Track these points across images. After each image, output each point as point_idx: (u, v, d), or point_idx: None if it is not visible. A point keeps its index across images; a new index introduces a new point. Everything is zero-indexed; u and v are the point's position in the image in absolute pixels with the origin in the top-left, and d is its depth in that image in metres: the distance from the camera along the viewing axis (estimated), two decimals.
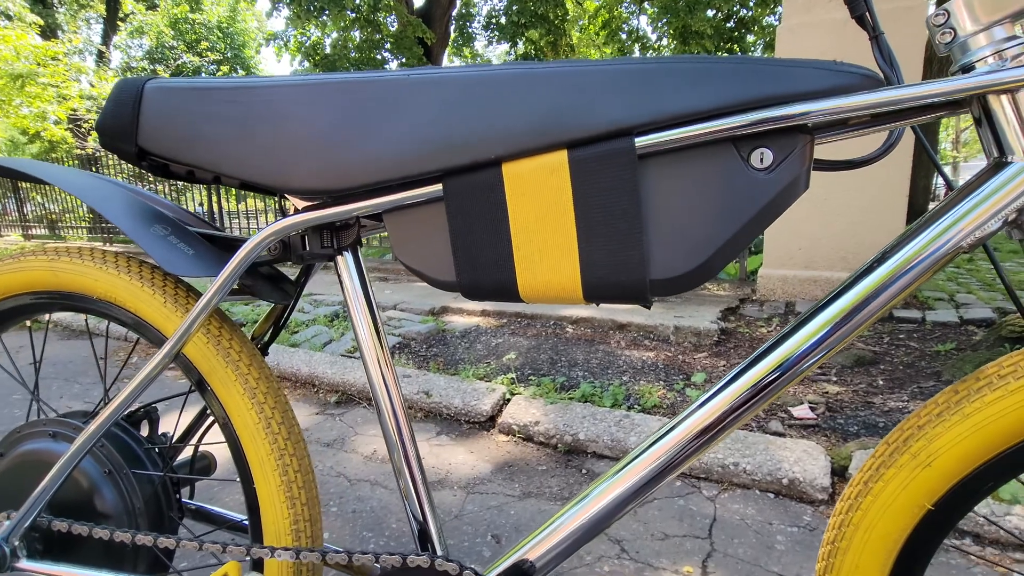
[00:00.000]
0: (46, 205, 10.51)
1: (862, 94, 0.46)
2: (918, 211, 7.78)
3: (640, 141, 0.49)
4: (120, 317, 0.72)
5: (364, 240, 0.64)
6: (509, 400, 2.07)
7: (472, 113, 0.52)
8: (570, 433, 1.80)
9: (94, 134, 10.46)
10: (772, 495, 1.51)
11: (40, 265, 0.72)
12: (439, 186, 0.54)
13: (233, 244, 0.70)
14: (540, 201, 0.51)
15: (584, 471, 1.69)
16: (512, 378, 2.29)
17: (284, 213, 0.61)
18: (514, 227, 0.52)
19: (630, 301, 0.53)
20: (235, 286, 0.63)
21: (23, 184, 10.36)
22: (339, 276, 0.63)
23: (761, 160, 0.48)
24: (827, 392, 2.07)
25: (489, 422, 2.00)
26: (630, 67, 0.50)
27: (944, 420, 0.51)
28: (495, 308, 3.38)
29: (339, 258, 0.63)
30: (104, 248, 0.73)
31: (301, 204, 0.60)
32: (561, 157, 0.50)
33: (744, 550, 1.30)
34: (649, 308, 0.58)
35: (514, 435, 1.91)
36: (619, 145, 0.49)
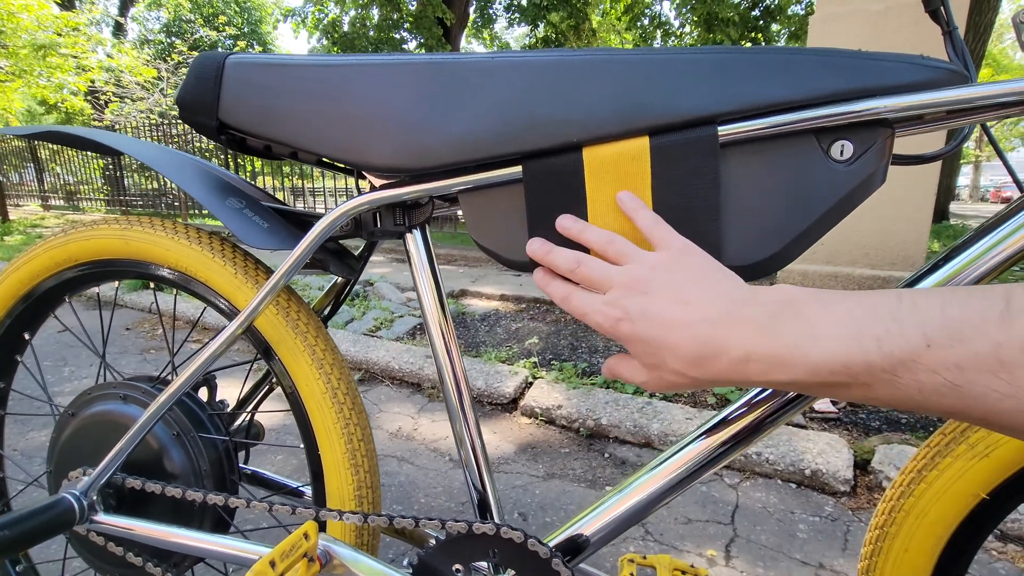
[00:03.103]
0: (63, 176, 10.61)
1: (948, 89, 0.46)
2: (940, 211, 7.71)
3: (723, 130, 0.50)
4: (190, 287, 0.74)
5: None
6: (531, 384, 2.10)
7: (555, 97, 0.53)
8: (592, 418, 1.82)
9: (112, 106, 10.50)
10: (794, 485, 1.53)
11: (113, 233, 0.74)
12: (518, 168, 0.55)
13: (303, 220, 0.72)
14: (619, 186, 0.53)
15: (607, 455, 1.71)
16: (534, 362, 2.31)
17: (359, 191, 0.63)
18: (591, 211, 0.54)
19: None
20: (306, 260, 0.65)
21: (42, 154, 10.46)
22: (407, 252, 0.65)
23: (841, 152, 0.49)
24: None
25: (511, 404, 2.03)
26: (714, 56, 0.50)
27: None
28: (514, 293, 3.40)
29: (408, 235, 0.65)
30: (176, 220, 0.75)
31: (378, 182, 0.61)
32: (643, 143, 0.51)
33: (767, 537, 1.32)
34: None
35: (536, 418, 1.93)
36: (702, 133, 0.50)
